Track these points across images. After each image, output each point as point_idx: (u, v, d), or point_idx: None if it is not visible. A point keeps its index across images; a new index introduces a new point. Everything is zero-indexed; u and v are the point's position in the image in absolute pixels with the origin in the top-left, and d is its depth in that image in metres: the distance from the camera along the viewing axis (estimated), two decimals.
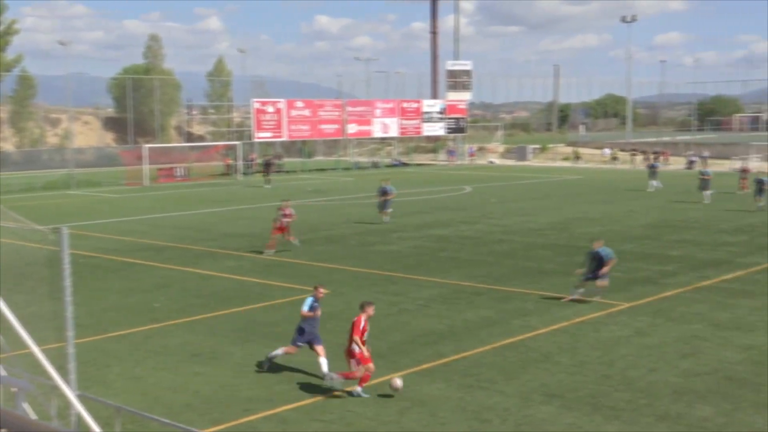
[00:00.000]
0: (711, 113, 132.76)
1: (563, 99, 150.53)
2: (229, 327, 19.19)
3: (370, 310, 14.86)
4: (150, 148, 69.04)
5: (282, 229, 30.13)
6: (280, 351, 15.96)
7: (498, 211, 42.02)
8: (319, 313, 15.91)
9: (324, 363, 15.43)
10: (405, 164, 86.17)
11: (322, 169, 77.77)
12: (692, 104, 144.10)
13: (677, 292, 22.67)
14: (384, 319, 19.82)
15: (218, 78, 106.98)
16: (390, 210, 38.16)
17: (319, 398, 14.25)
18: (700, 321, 19.45)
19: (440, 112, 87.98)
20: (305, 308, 15.81)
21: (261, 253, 29.32)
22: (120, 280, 25.05)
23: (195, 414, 13.52)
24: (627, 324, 19.12)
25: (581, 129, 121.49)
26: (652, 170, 55.47)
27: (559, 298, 21.51)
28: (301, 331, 15.85)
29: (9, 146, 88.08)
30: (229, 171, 71.75)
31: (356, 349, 14.50)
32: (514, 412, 13.50)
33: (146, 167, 64.91)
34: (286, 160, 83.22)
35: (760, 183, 42.94)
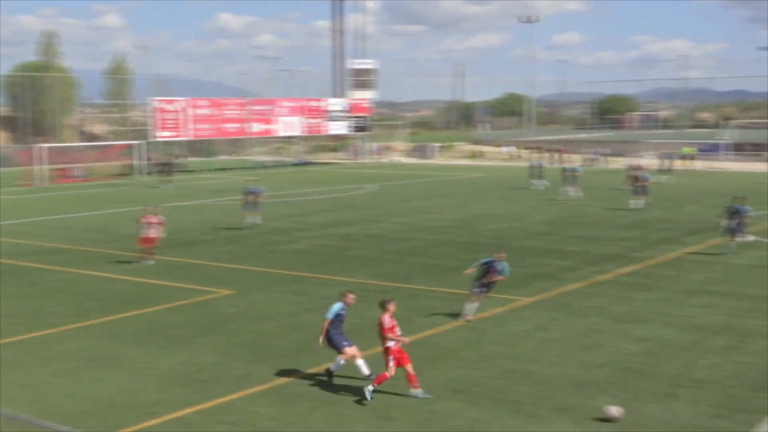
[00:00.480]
0: (608, 112, 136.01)
1: (466, 98, 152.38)
2: (130, 330, 18.80)
3: (392, 307, 14.39)
4: (47, 148, 67.28)
5: (148, 240, 27.09)
6: (341, 361, 15.04)
7: (403, 209, 42.24)
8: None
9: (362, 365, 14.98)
10: (309, 163, 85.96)
11: (226, 169, 76.97)
12: (590, 103, 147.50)
13: (577, 286, 23.13)
14: (287, 318, 19.71)
15: (117, 76, 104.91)
16: (258, 212, 35.82)
17: (222, 400, 14.06)
18: (599, 314, 19.88)
19: (344, 111, 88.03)
20: (330, 316, 14.91)
21: (140, 260, 28.84)
22: (14, 285, 24.31)
23: (95, 420, 13.19)
24: (529, 319, 19.41)
25: (483, 127, 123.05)
26: (538, 169, 54.98)
27: (464, 294, 21.72)
28: (332, 339, 14.98)
29: None
30: (129, 171, 70.42)
31: (392, 344, 14.20)
32: (419, 408, 13.56)
33: (41, 167, 63.26)
34: (189, 159, 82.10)
35: (635, 180, 43.27)
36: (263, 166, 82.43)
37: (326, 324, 14.93)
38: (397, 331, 14.34)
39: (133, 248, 30.16)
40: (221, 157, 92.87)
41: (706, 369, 15.58)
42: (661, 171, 61.13)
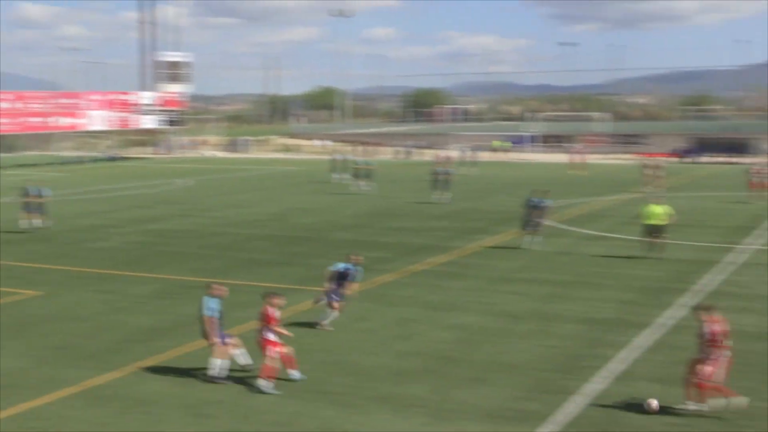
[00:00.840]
0: (420, 105, 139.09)
1: (281, 91, 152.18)
2: None
3: (278, 301, 14.36)
4: None
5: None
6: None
7: (217, 204, 41.70)
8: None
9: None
10: (120, 158, 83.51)
11: (29, 165, 73.65)
12: (403, 96, 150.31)
13: (393, 277, 23.51)
14: (98, 317, 19.07)
15: None
16: (41, 215, 32.92)
17: (27, 405, 13.43)
18: (414, 304, 20.28)
19: (155, 105, 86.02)
20: (211, 313, 14.59)
21: None
22: None
23: None
24: (347, 311, 19.54)
25: (298, 120, 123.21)
26: (341, 163, 54.70)
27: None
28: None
29: None
30: None
31: (270, 336, 14.14)
32: (236, 404, 13.41)
33: None
34: None
35: (436, 174, 42.89)
36: (70, 161, 79.44)
37: (213, 321, 14.55)
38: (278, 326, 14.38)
39: None
40: (25, 153, 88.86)
41: (516, 353, 16.18)
42: (463, 163, 62.90)
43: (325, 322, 18.07)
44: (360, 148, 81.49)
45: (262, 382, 14.05)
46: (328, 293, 18.02)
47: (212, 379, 14.48)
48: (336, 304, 18.01)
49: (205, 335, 14.72)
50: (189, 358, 15.90)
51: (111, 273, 24.30)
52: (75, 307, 20.16)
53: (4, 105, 72.91)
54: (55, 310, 19.89)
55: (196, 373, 14.92)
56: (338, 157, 57.08)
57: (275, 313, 14.34)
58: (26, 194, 33.14)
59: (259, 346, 14.41)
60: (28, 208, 32.88)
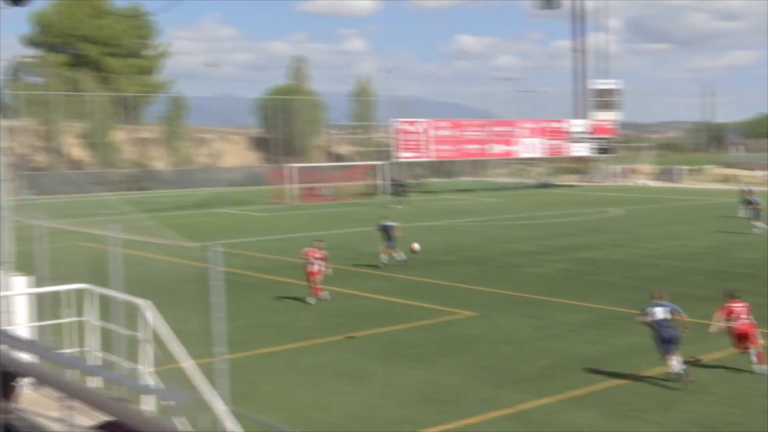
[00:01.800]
0: None
1: (717, 118, 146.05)
2: (374, 347, 19.28)
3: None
4: (296, 168, 70.58)
5: (311, 274, 25.27)
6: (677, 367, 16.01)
7: (648, 234, 40.90)
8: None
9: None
10: (551, 185, 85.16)
11: (466, 190, 77.68)
12: None
13: None
14: (529, 342, 19.53)
15: (361, 98, 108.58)
16: (394, 246, 31.83)
17: (464, 422, 14.10)
18: None
19: (586, 132, 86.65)
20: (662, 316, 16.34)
21: (404, 273, 29.42)
22: (263, 298, 25.58)
23: None
24: None
25: (736, 149, 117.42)
26: (752, 206, 43.46)
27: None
28: (663, 339, 16.28)
29: (161, 165, 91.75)
30: (373, 191, 72.55)
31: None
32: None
33: (291, 186, 66.33)
34: (430, 180, 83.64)
35: None
36: (504, 187, 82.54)
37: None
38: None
39: (377, 266, 30.99)
40: (462, 178, 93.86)
41: None
42: None
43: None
44: None
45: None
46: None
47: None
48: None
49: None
50: (620, 391, 15.72)
51: (542, 299, 24.80)
52: (507, 330, 20.85)
53: (444, 133, 77.67)
54: (489, 331, 20.71)
55: (629, 405, 14.72)
56: (746, 188, 50.83)
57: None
58: (384, 230, 32.04)
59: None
60: (390, 242, 31.80)
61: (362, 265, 31.86)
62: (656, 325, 16.21)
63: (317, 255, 25.54)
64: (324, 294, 25.16)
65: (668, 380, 16.03)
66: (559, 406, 14.88)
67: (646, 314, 16.49)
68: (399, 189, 63.50)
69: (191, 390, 11.88)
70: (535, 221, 48.15)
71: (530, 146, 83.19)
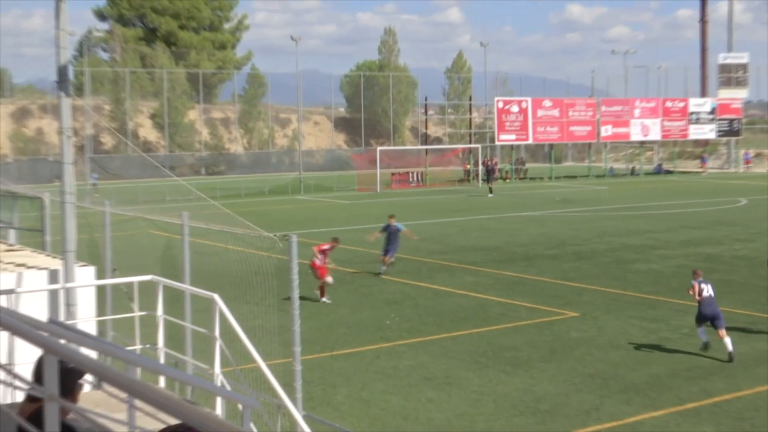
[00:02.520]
0: None
1: None
2: (466, 349, 19.29)
3: None
4: (383, 151, 70.87)
5: (318, 270, 24.91)
6: (704, 337, 18.58)
7: None
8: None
9: (728, 342, 17.93)
10: (668, 171, 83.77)
11: (572, 176, 76.97)
12: None
13: None
14: (640, 347, 19.30)
15: (457, 75, 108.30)
16: (392, 257, 29.31)
17: None
18: None
19: (710, 113, 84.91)
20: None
21: (497, 269, 29.35)
22: (349, 293, 25.80)
23: None
24: None
25: None
26: None
27: None
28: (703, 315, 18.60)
29: (238, 147, 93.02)
30: (467, 177, 72.44)
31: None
32: None
33: (378, 171, 66.59)
34: (531, 165, 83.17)
35: None
36: (617, 174, 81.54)
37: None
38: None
39: (471, 260, 31.01)
40: (567, 164, 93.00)
41: None
42: None
43: None
44: None
45: None
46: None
47: None
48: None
49: None
50: (741, 404, 15.44)
51: (655, 299, 24.46)
52: (615, 333, 20.63)
53: (548, 113, 77.05)
54: (594, 334, 20.53)
55: (751, 421, 14.45)
56: None
57: None
58: (386, 231, 29.63)
59: None
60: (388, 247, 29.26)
61: (453, 259, 31.86)
62: (706, 301, 18.69)
63: (325, 247, 25.26)
64: (324, 298, 24.66)
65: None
66: (671, 419, 14.68)
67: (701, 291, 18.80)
68: (489, 174, 62.90)
69: (265, 393, 12.09)
70: (648, 212, 47.45)
71: (645, 128, 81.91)
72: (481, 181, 66.86)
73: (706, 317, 18.63)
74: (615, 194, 59.79)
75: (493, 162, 69.06)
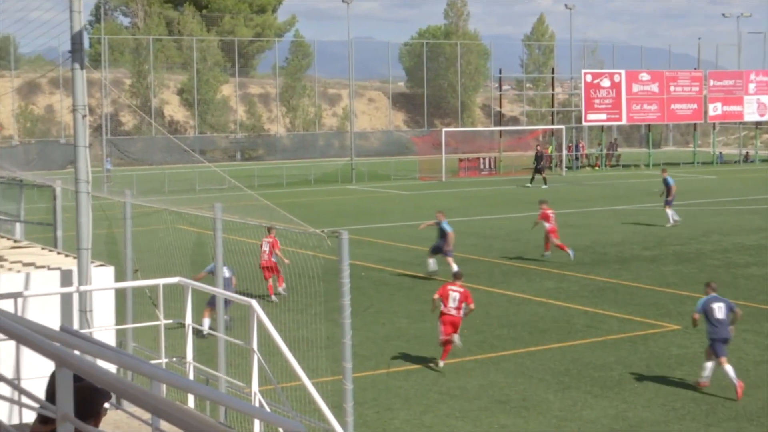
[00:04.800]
0: None
1: None
2: (546, 367, 19.24)
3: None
4: (449, 133, 70.80)
5: (269, 269, 25.07)
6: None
7: None
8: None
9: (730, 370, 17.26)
10: None
11: (674, 163, 76.26)
12: None
13: None
14: (754, 368, 19.10)
15: (538, 43, 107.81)
16: (451, 257, 28.87)
17: None
18: None
19: None
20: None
21: (585, 273, 29.20)
22: (409, 300, 25.81)
23: None
24: None
25: None
26: None
27: None
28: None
29: (279, 128, 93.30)
30: (549, 164, 72.16)
31: None
32: None
33: (445, 157, 66.46)
34: (622, 150, 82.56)
35: None
36: (725, 160, 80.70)
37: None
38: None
39: (552, 262, 30.90)
40: (668, 148, 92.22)
41: None
42: None
43: None
44: None
45: None
46: None
47: None
48: None
49: None
50: None
51: None
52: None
53: (645, 87, 76.39)
54: (697, 350, 20.27)
55: None
56: None
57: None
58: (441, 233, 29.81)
59: None
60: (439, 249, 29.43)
61: (531, 260, 31.77)
62: (717, 324, 17.83)
63: (268, 240, 24.94)
64: (274, 297, 24.04)
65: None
66: None
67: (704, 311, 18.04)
68: (538, 162, 61.85)
69: (310, 416, 12.16)
70: (765, 206, 46.92)
71: (762, 106, 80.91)
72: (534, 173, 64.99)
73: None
74: (725, 185, 59.15)
75: (543, 150, 66.96)
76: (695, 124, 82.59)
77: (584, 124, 76.73)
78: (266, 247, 24.91)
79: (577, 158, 75.97)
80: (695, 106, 78.68)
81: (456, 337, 19.11)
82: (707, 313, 17.68)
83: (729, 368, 17.19)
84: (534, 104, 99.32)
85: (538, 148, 66.54)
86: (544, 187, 58.09)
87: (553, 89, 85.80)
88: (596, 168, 74.44)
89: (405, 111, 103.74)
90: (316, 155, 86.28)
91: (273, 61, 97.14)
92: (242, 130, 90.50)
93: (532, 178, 60.65)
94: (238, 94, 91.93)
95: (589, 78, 75.20)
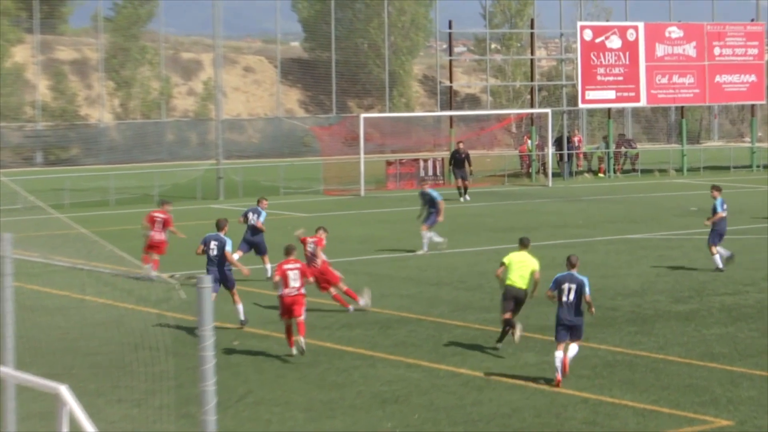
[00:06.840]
0: None
1: None
2: None
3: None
4: (371, 122, 71.00)
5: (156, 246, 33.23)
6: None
7: None
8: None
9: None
10: None
11: (720, 167, 77.09)
12: None
13: None
14: None
15: None
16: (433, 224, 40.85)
17: None
18: None
19: None
20: None
21: None
22: (308, 384, 25.79)
23: None
24: None
25: None
26: None
27: None
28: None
29: (104, 115, 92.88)
30: (527, 167, 72.60)
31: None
32: None
33: (364, 159, 66.55)
34: (641, 147, 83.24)
35: None
36: None
37: None
38: None
39: (527, 320, 31.23)
40: (711, 143, 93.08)
41: None
42: None
43: None
44: None
45: None
46: None
47: None
48: None
49: None
50: None
51: None
52: None
53: (678, 51, 76.59)
54: None
55: None
56: None
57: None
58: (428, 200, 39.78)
59: None
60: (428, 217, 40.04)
61: (494, 316, 31.89)
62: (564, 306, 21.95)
63: (160, 216, 33.57)
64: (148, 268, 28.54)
65: None
66: None
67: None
68: (456, 167, 63.30)
69: None
70: None
71: None
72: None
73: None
74: None
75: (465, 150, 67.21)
76: (753, 107, 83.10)
77: (581, 106, 76.78)
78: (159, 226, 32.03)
79: (570, 159, 75.71)
80: (753, 78, 78.97)
81: (302, 340, 25.22)
82: (559, 292, 21.62)
83: (559, 354, 21.69)
84: (503, 76, 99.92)
85: (460, 145, 66.05)
86: (462, 200, 59.09)
87: (532, 53, 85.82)
88: (600, 174, 74.73)
89: (301, 87, 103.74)
90: (162, 156, 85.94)
91: (93, 9, 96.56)
92: (45, 117, 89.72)
93: (464, 189, 62.34)
94: (38, 60, 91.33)
95: (588, 35, 75.27)
